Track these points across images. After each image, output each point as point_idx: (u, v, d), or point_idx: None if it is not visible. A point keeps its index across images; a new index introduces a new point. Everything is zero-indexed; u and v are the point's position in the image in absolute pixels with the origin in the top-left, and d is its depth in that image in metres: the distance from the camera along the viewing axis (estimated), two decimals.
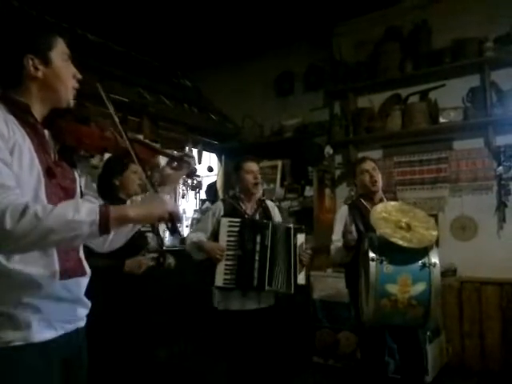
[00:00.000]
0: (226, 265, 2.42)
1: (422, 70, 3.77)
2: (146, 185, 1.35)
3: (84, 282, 1.22)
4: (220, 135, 4.75)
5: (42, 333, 1.08)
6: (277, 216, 2.73)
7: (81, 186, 1.28)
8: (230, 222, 2.47)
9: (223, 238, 2.44)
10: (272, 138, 4.56)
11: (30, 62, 1.14)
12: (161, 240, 2.59)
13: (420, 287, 2.10)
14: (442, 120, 3.66)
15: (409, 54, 3.86)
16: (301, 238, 2.52)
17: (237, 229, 2.45)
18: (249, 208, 2.62)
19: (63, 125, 1.20)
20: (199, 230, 2.62)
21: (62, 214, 0.99)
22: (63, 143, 1.21)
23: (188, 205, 4.88)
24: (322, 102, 4.42)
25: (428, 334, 3.05)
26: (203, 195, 4.80)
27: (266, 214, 2.65)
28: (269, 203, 2.78)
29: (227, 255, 2.42)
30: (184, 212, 4.89)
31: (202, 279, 2.50)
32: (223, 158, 4.87)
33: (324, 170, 4.15)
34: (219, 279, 2.41)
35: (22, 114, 1.11)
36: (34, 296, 1.08)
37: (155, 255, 2.45)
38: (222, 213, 2.57)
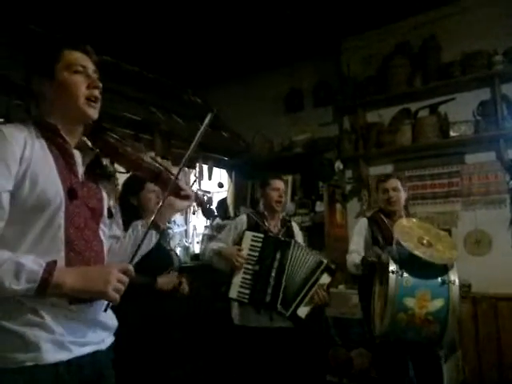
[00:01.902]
0: (243, 278, 2.42)
1: (432, 84, 3.77)
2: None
3: (101, 305, 1.17)
4: (230, 151, 4.78)
5: (53, 354, 1.07)
6: (299, 238, 2.71)
7: (110, 206, 1.32)
8: (253, 236, 2.48)
9: (245, 251, 2.45)
10: (282, 154, 4.57)
11: (36, 82, 1.17)
12: (179, 261, 2.60)
13: (438, 303, 2.09)
14: (452, 134, 3.64)
15: (418, 68, 3.86)
16: (326, 278, 2.45)
17: (259, 244, 2.45)
18: (272, 225, 2.63)
19: (103, 137, 1.25)
20: (220, 240, 2.65)
21: None
22: (99, 153, 1.26)
23: (198, 221, 4.90)
24: (332, 118, 4.44)
25: (444, 351, 2.99)
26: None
27: (289, 234, 2.64)
28: (294, 225, 2.77)
29: (246, 268, 2.42)
30: (195, 228, 4.92)
31: (216, 295, 2.49)
32: (233, 173, 4.89)
33: (334, 185, 4.14)
34: (233, 291, 2.41)
35: (51, 136, 1.15)
36: (47, 317, 1.08)
37: (177, 274, 2.47)
38: (245, 226, 2.58)
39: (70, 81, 1.17)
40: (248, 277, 2.42)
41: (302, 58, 4.47)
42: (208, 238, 4.47)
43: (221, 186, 4.84)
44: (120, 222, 1.44)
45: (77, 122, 1.21)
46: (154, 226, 1.35)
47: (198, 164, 4.44)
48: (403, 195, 2.71)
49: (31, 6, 3.44)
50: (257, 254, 2.44)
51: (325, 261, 2.47)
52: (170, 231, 4.03)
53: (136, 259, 1.31)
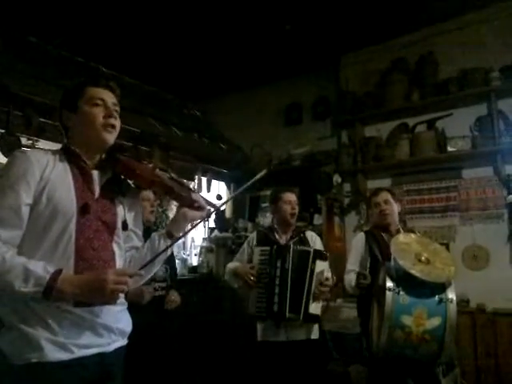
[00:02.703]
0: (258, 293, 2.43)
1: (429, 99, 3.81)
2: (161, 212, 1.44)
3: (104, 309, 1.28)
4: (229, 164, 4.79)
5: (54, 353, 1.20)
6: (317, 246, 2.63)
7: (125, 220, 1.43)
8: (261, 250, 2.50)
9: (256, 267, 2.47)
10: (280, 167, 4.58)
11: (65, 116, 1.38)
12: (172, 271, 2.55)
13: (435, 322, 2.06)
14: (450, 149, 3.67)
15: (415, 83, 3.91)
16: (321, 265, 2.41)
17: (267, 257, 2.46)
18: (283, 238, 2.61)
19: (119, 157, 1.39)
20: (236, 260, 2.68)
21: (10, 282, 1.16)
22: (115, 172, 1.39)
23: (197, 233, 4.89)
24: (330, 132, 4.47)
25: (442, 367, 2.96)
26: (212, 223, 4.81)
27: (303, 244, 2.58)
28: (308, 234, 2.70)
29: (260, 283, 2.43)
30: (193, 240, 4.90)
31: (213, 309, 2.48)
32: (232, 186, 4.90)
33: (333, 199, 4.15)
34: (252, 307, 2.43)
35: (74, 159, 1.35)
36: (52, 321, 1.21)
37: (163, 285, 2.43)
38: (254, 242, 2.61)
39: (89, 112, 1.35)
40: (261, 291, 2.43)
41: (301, 72, 4.51)
42: (206, 251, 4.46)
43: (219, 198, 4.84)
44: (140, 233, 1.51)
45: (96, 147, 1.38)
46: (169, 235, 1.45)
47: (196, 176, 4.45)
48: (396, 208, 2.68)
49: (32, 18, 3.48)
50: (265, 266, 2.45)
51: (311, 249, 2.45)
52: None
53: (151, 267, 1.42)
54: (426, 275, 2.11)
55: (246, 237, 4.18)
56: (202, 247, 4.59)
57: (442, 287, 2.14)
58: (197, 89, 4.85)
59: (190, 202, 1.45)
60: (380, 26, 3.83)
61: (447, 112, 3.79)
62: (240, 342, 3.12)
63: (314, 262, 2.40)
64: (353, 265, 2.65)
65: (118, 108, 1.41)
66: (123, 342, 1.39)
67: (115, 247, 1.38)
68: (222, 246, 4.36)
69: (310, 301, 2.36)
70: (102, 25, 3.63)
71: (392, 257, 2.30)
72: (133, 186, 1.48)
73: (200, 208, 1.47)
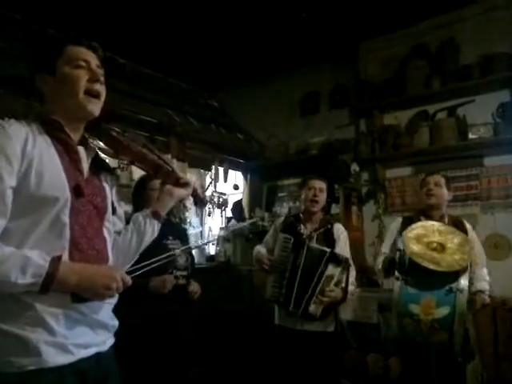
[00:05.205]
0: (274, 277, 2.49)
1: (450, 85, 3.72)
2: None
3: (102, 305, 1.16)
4: (245, 154, 4.79)
5: (55, 357, 1.05)
6: (342, 242, 2.59)
7: (113, 203, 1.29)
8: (284, 237, 2.52)
9: (277, 252, 2.51)
10: (297, 156, 4.56)
11: (39, 79, 1.17)
12: (190, 259, 2.57)
13: (443, 311, 2.07)
14: (471, 136, 3.59)
15: (436, 70, 3.82)
16: (333, 269, 2.36)
17: (287, 245, 2.49)
18: (308, 228, 2.60)
19: (109, 130, 1.24)
20: (264, 242, 2.78)
21: (5, 274, 0.98)
22: (108, 146, 1.26)
23: (214, 222, 4.92)
24: (348, 120, 4.41)
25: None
26: (229, 213, 4.83)
27: (328, 236, 2.55)
28: (336, 227, 2.63)
29: (278, 269, 2.48)
30: (210, 230, 4.94)
31: (231, 298, 2.51)
32: (249, 176, 4.90)
33: (351, 188, 4.12)
34: (268, 292, 2.50)
35: (55, 132, 1.13)
36: (48, 318, 1.05)
37: (184, 273, 2.45)
38: (280, 227, 2.65)
39: (70, 75, 1.15)
40: (277, 276, 2.49)
41: (319, 60, 4.46)
42: (223, 240, 4.49)
43: (236, 188, 4.85)
44: (122, 215, 1.41)
45: (78, 118, 1.19)
46: (155, 215, 1.32)
47: (213, 166, 4.46)
48: (446, 193, 2.58)
49: (50, 10, 3.51)
50: (286, 254, 2.49)
51: (328, 250, 2.39)
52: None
53: (135, 253, 1.33)
54: (436, 264, 2.09)
55: (264, 226, 4.21)
56: (219, 236, 4.61)
57: (453, 276, 2.12)
58: (212, 79, 4.84)
59: (175, 179, 1.34)
60: (399, 11, 3.74)
61: (469, 98, 3.70)
62: (257, 329, 3.13)
63: (325, 265, 2.36)
64: (385, 247, 2.65)
65: (102, 71, 1.21)
66: (113, 339, 1.25)
67: (105, 233, 1.24)
68: (238, 235, 4.38)
69: (312, 301, 2.37)
70: (119, 15, 3.64)
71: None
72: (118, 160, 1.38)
73: (186, 185, 1.36)
